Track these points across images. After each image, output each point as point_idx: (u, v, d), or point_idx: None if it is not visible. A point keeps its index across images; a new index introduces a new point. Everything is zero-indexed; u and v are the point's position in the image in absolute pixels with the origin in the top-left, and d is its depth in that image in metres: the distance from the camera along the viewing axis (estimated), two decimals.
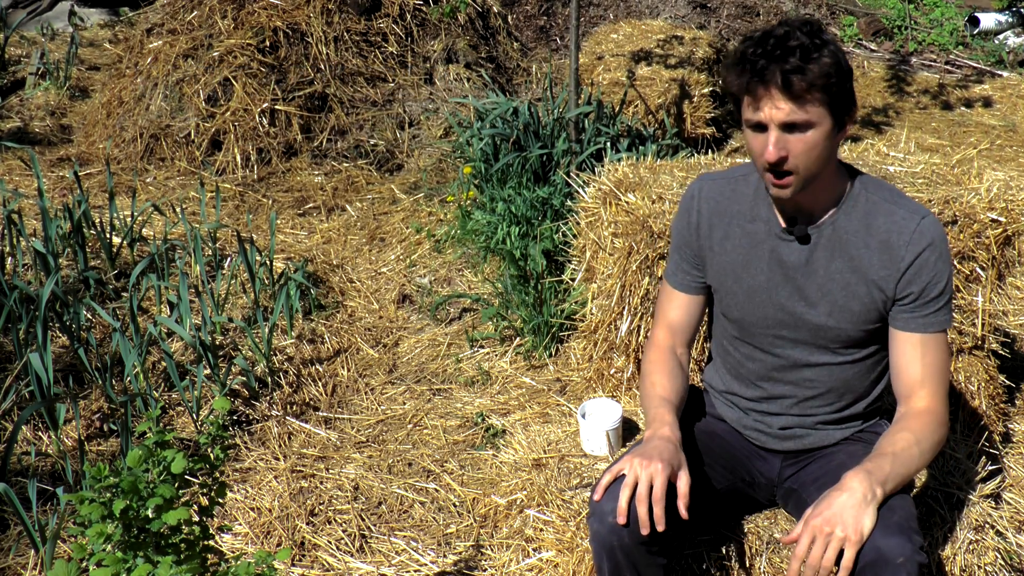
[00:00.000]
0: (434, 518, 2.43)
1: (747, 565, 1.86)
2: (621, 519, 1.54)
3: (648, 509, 1.52)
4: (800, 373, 1.76)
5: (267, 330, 2.98)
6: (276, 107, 4.77)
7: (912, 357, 1.65)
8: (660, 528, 1.52)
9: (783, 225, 1.69)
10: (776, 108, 1.51)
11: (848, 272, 1.66)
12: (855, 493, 1.47)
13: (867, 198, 1.66)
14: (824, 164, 1.57)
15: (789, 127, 1.52)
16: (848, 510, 1.45)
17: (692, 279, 1.83)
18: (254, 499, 2.47)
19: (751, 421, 1.84)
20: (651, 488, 1.53)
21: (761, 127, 1.54)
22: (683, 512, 1.55)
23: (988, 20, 6.95)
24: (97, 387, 2.75)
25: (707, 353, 1.97)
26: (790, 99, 1.50)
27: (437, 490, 2.54)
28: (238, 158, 4.66)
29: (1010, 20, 6.95)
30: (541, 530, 2.03)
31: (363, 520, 2.42)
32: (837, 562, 1.44)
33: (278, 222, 4.09)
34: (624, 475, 1.57)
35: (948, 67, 6.45)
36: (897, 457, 1.55)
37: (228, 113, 4.72)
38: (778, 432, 1.82)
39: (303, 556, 2.29)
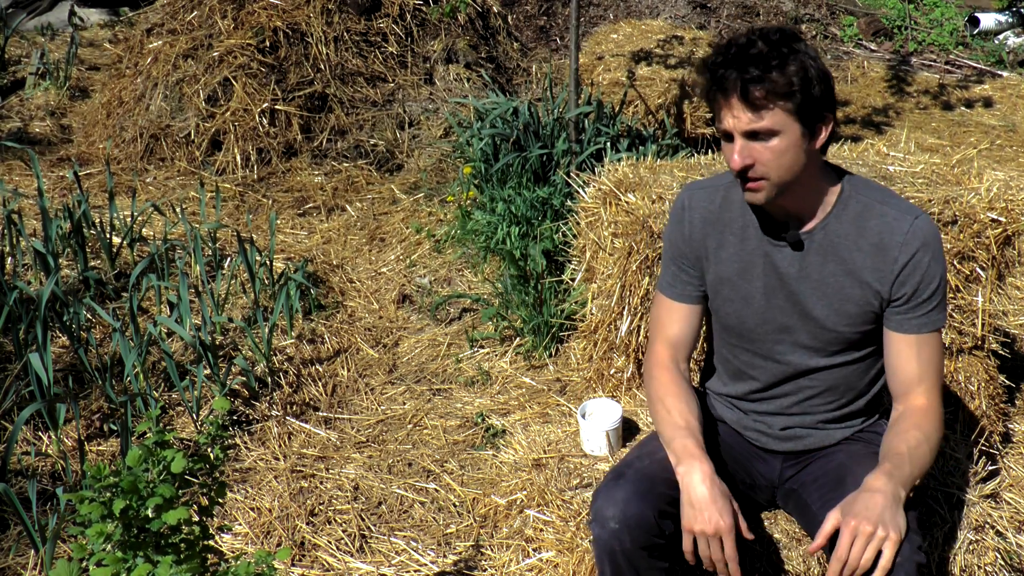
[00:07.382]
0: (434, 518, 2.43)
1: (747, 566, 1.86)
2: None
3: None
4: (800, 377, 1.76)
5: (267, 330, 2.98)
6: (276, 107, 4.76)
7: (908, 356, 1.65)
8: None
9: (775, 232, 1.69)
10: (735, 117, 1.52)
11: (842, 275, 1.66)
12: (886, 495, 1.47)
13: (858, 200, 1.65)
14: (799, 170, 1.57)
15: (752, 135, 1.53)
16: (885, 511, 1.46)
17: (693, 288, 1.82)
18: (254, 499, 2.47)
19: (751, 422, 1.84)
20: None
21: (729, 135, 1.56)
22: (747, 534, 1.61)
23: (988, 20, 6.95)
24: (97, 387, 2.75)
25: (705, 356, 1.97)
26: (748, 108, 1.50)
27: (437, 490, 2.54)
28: (238, 158, 4.65)
29: (1010, 20, 6.95)
30: (541, 530, 2.03)
31: (363, 520, 2.42)
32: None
33: (278, 222, 4.09)
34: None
35: (948, 67, 6.45)
36: (912, 456, 1.56)
37: (228, 113, 4.72)
38: (779, 433, 1.82)
39: (303, 556, 2.29)
